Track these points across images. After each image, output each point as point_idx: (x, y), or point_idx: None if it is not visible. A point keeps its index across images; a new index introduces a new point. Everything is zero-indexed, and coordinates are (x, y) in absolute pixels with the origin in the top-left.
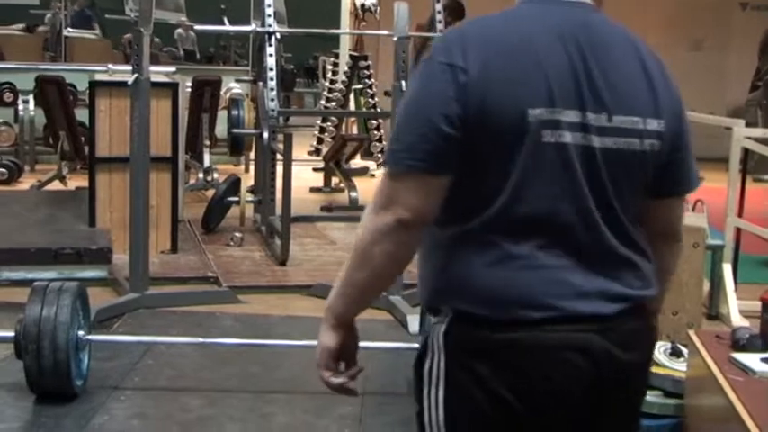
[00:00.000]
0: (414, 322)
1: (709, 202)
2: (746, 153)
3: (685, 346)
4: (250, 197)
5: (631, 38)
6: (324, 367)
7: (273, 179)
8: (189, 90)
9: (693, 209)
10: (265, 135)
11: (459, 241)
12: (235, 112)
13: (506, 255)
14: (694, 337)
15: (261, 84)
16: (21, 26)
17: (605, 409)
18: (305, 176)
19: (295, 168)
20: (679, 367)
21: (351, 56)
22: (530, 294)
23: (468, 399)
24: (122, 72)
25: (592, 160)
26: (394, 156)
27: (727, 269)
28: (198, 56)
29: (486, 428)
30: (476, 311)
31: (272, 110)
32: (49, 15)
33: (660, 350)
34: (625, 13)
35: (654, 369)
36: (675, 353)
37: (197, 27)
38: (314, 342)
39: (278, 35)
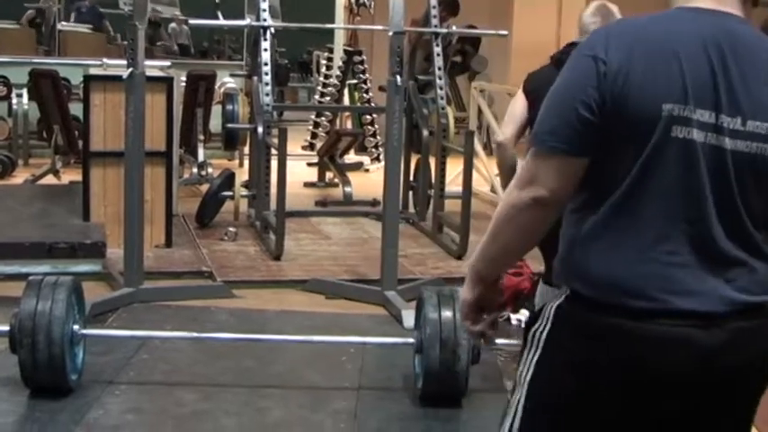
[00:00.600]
0: (408, 317)
1: None
2: None
3: None
4: (244, 192)
5: None
6: (464, 317)
7: (268, 174)
8: (183, 84)
9: None
10: (260, 130)
11: (583, 224)
12: (229, 107)
13: (622, 243)
14: None
15: (255, 78)
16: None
17: (704, 409)
18: (299, 171)
19: (289, 163)
20: None
21: (345, 50)
22: (638, 285)
23: (555, 367)
24: (117, 66)
25: (720, 161)
26: (538, 137)
27: None
28: (192, 50)
29: (561, 398)
30: (586, 293)
31: (267, 104)
32: (30, 11)
33: None
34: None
35: None
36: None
37: (191, 21)
38: (309, 337)
39: (272, 30)
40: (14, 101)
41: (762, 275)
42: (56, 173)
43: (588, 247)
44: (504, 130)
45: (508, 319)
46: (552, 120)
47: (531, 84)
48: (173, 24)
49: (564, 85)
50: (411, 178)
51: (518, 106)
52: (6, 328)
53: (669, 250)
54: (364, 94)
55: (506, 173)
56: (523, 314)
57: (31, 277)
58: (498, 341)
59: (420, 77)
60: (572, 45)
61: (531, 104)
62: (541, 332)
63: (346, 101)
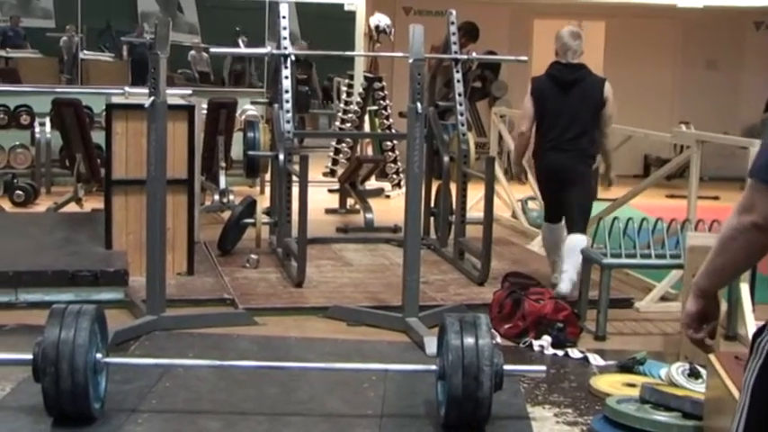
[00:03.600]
0: (431, 344)
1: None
2: None
3: (704, 367)
4: (266, 219)
5: None
6: (687, 326)
7: (289, 200)
8: (204, 112)
9: (710, 229)
10: (281, 157)
11: None
12: (250, 134)
13: None
14: (713, 359)
15: (276, 106)
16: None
17: None
18: (320, 198)
19: (310, 190)
20: (698, 389)
21: (365, 77)
22: None
23: None
24: (138, 95)
25: None
26: (755, 171)
27: (744, 289)
28: (212, 77)
29: None
30: None
31: (288, 131)
32: (64, 38)
33: (679, 371)
34: (642, 34)
35: (673, 390)
36: (694, 374)
37: (212, 50)
38: (331, 365)
39: (293, 57)
40: (37, 129)
41: None
42: (78, 201)
43: None
44: (523, 124)
45: (530, 346)
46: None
47: (535, 89)
48: (193, 52)
49: None
50: (432, 204)
51: (528, 106)
52: (30, 356)
53: None
54: (385, 121)
55: (520, 151)
56: (546, 340)
57: (54, 305)
58: (520, 367)
59: (440, 103)
60: (558, 63)
61: (535, 102)
62: (765, 343)
63: (367, 127)
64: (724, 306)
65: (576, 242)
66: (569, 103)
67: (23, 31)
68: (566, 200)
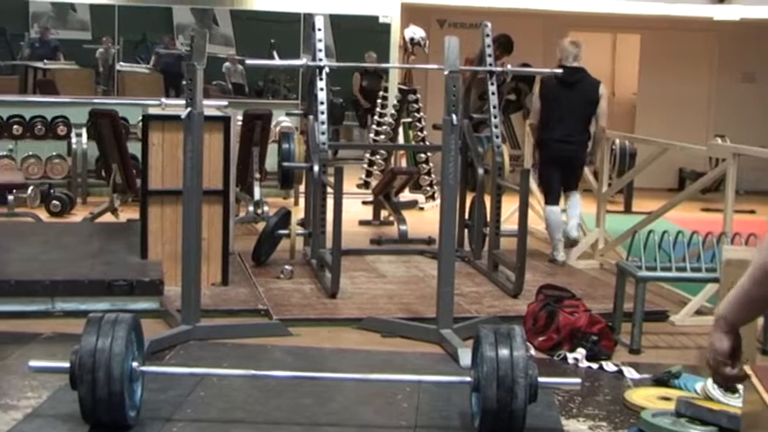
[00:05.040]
0: (465, 356)
1: (762, 236)
2: None
3: None
4: (300, 230)
5: None
6: (720, 365)
7: (324, 212)
8: (239, 123)
9: (746, 242)
10: (316, 168)
11: None
12: (285, 146)
13: None
14: (750, 373)
15: (311, 117)
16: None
17: None
18: (354, 209)
19: (344, 201)
20: (734, 403)
21: (400, 89)
22: None
23: None
24: (175, 106)
25: None
26: None
27: None
28: (247, 89)
29: None
30: None
31: (323, 143)
32: (100, 50)
33: (715, 386)
34: (678, 47)
35: (709, 405)
36: (730, 389)
37: (248, 61)
38: (365, 376)
39: (327, 69)
40: (74, 140)
41: None
42: (114, 211)
43: None
44: (534, 117)
45: (564, 358)
46: None
47: (543, 90)
48: (227, 63)
49: None
50: (466, 216)
51: (537, 105)
52: (66, 364)
53: None
54: (419, 133)
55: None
56: (580, 353)
57: (91, 314)
58: (554, 380)
59: (475, 116)
60: (563, 67)
61: (542, 100)
62: None
63: (401, 139)
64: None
65: (576, 197)
66: (573, 100)
67: (55, 43)
68: (568, 180)
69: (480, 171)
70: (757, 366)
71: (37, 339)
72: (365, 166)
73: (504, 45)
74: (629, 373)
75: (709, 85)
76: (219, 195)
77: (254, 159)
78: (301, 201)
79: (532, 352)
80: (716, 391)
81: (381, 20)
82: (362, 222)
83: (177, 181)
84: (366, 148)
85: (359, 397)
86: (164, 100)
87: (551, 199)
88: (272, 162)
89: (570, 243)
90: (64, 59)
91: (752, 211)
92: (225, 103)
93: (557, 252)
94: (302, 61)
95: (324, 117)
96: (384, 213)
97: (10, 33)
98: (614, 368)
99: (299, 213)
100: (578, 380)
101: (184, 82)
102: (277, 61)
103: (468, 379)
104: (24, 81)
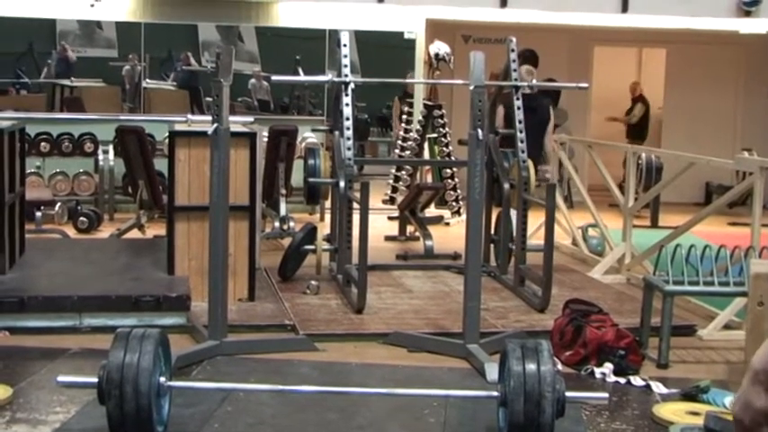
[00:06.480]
0: (492, 370)
1: None
2: None
3: None
4: (326, 245)
5: None
6: (756, 426)
7: (350, 227)
8: (265, 139)
9: (760, 255)
10: (341, 184)
11: None
12: (311, 161)
13: None
14: None
15: (337, 133)
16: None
17: None
18: (380, 225)
19: (370, 216)
20: None
21: (425, 105)
22: None
23: None
24: (200, 122)
25: None
26: None
27: None
28: (272, 106)
29: None
30: None
31: (349, 159)
32: (126, 67)
33: None
34: (704, 61)
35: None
36: None
37: (273, 78)
38: (392, 390)
39: (353, 85)
40: (101, 157)
41: None
42: (140, 227)
43: None
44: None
45: (592, 373)
46: None
47: None
48: (252, 80)
49: None
50: (492, 231)
51: None
52: (95, 379)
53: None
54: (444, 148)
55: None
56: (607, 368)
57: (118, 329)
58: (582, 394)
59: (501, 131)
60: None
61: None
62: None
63: (426, 155)
64: None
65: None
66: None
67: (74, 59)
68: None
69: (506, 186)
70: None
71: (65, 355)
72: (391, 181)
73: (528, 59)
74: (657, 387)
75: (736, 99)
76: (246, 211)
77: (279, 175)
78: (327, 216)
79: (559, 367)
80: None
81: (406, 36)
82: (388, 238)
83: (203, 197)
84: (392, 163)
85: (385, 412)
86: (189, 116)
87: None
88: (297, 178)
89: None
90: (91, 78)
91: None
92: (251, 119)
93: None
94: (327, 77)
95: (350, 133)
96: (410, 229)
97: (37, 51)
98: (642, 383)
99: (324, 229)
100: (606, 394)
101: (209, 98)
102: (302, 77)
103: (496, 394)
104: (52, 98)
